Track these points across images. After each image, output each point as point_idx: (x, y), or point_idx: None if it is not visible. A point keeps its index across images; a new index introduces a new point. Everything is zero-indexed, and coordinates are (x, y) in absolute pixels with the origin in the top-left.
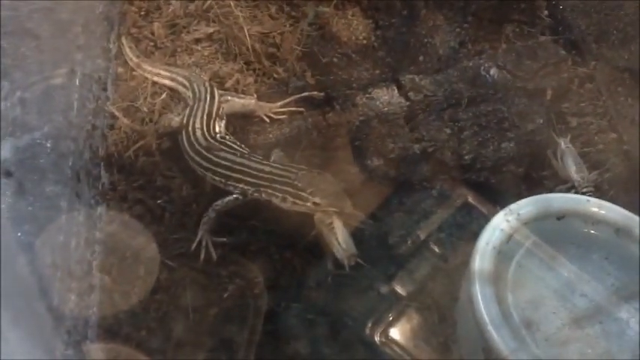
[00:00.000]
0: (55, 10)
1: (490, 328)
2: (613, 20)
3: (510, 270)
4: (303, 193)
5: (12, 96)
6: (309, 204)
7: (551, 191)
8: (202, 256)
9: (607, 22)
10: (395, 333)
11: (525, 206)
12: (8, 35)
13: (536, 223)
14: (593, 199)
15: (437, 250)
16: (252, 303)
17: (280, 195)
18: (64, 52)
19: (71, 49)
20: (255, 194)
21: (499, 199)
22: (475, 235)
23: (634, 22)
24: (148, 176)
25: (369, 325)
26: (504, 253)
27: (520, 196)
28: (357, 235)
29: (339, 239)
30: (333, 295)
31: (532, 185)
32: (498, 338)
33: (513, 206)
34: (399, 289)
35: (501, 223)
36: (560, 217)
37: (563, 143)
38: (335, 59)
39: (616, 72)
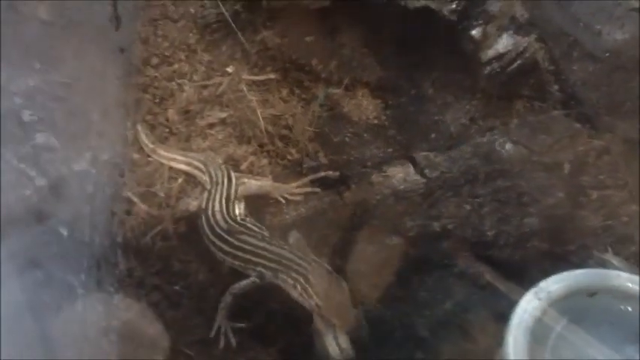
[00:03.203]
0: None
1: None
2: (623, 92)
3: (545, 350)
4: (310, 289)
5: (29, 185)
6: (312, 302)
7: (577, 267)
8: (222, 343)
9: (617, 94)
10: None
11: (555, 283)
12: (25, 124)
13: (568, 301)
14: (624, 274)
15: (463, 331)
16: None
17: (292, 282)
18: (81, 140)
19: (89, 136)
20: (272, 279)
21: (525, 276)
22: (502, 315)
23: None
24: (165, 261)
25: None
26: (537, 333)
27: (546, 273)
28: (377, 318)
29: (338, 343)
30: None
31: (557, 261)
32: None
33: (543, 284)
34: None
35: (532, 301)
36: (592, 293)
37: (616, 261)
38: (347, 139)
39: (631, 143)
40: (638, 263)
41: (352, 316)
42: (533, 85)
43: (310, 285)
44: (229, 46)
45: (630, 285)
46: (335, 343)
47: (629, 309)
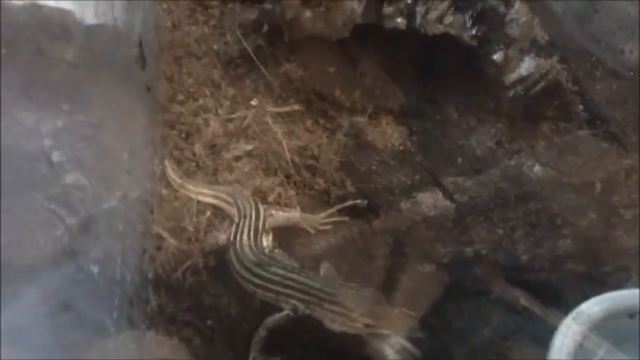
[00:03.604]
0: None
1: None
2: None
3: None
4: (352, 314)
5: (60, 225)
6: (359, 325)
7: (614, 288)
8: None
9: None
10: None
11: (594, 306)
12: (54, 165)
13: (608, 324)
14: None
15: (503, 358)
16: None
17: (330, 315)
18: (110, 178)
19: (118, 174)
20: (307, 311)
21: (562, 300)
22: (542, 340)
23: None
24: (195, 296)
25: None
26: (579, 357)
27: (584, 296)
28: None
29: (400, 348)
30: None
31: (594, 283)
32: None
33: (582, 307)
34: None
35: (572, 326)
36: (632, 314)
37: None
38: (373, 167)
39: None
40: None
41: (402, 319)
42: (558, 106)
43: (350, 310)
44: (253, 79)
45: None
46: (397, 350)
47: None
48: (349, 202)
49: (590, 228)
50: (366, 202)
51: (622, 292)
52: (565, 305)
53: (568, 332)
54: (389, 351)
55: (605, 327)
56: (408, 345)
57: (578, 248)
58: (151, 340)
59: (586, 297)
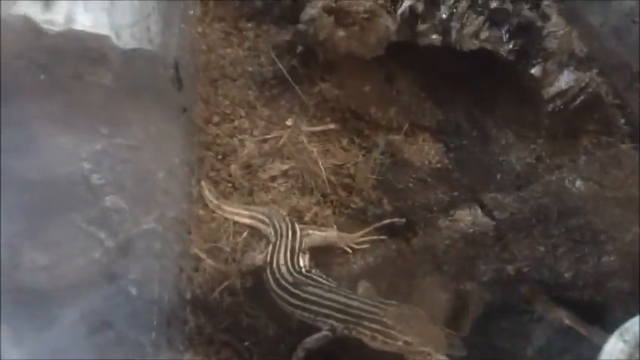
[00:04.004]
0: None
1: None
2: None
3: None
4: (392, 331)
5: (99, 247)
6: (399, 343)
7: None
8: None
9: None
10: None
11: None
12: (93, 188)
13: None
14: None
15: None
16: None
17: (369, 333)
18: (148, 199)
19: (156, 196)
20: (345, 331)
21: (606, 318)
22: None
23: None
24: (233, 317)
25: None
26: None
27: (629, 314)
28: None
29: None
30: None
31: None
32: None
33: (628, 324)
34: None
35: (617, 344)
36: None
37: None
38: (410, 184)
39: None
40: None
41: (444, 336)
42: (599, 119)
43: (391, 327)
44: (287, 100)
45: None
46: None
47: None
48: (387, 221)
49: (635, 243)
50: (403, 220)
51: None
52: (610, 323)
53: (613, 351)
54: None
55: None
56: None
57: (622, 265)
58: None
59: (631, 315)
